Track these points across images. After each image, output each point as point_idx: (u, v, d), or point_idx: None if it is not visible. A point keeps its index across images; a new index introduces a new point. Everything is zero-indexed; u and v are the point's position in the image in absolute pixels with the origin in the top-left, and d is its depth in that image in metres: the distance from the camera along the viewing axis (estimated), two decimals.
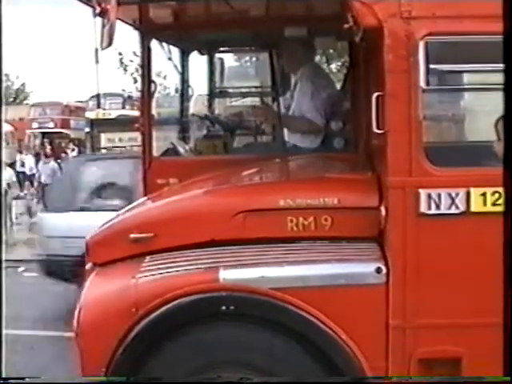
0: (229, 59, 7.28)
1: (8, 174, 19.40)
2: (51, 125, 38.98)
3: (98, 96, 33.34)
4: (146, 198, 5.38)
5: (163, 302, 4.03)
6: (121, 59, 22.41)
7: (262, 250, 4.17)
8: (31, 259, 14.70)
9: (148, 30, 5.60)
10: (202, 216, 4.36)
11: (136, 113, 6.92)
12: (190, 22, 5.58)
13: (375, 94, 3.88)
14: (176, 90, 6.49)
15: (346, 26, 3.94)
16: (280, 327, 4.00)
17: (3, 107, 4.74)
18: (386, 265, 3.95)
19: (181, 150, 6.02)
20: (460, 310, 3.98)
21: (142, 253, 4.36)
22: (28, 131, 38.35)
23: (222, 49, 6.64)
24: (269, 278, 4.02)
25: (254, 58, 6.87)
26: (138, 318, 4.05)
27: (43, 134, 37.91)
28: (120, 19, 5.23)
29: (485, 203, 3.89)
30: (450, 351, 4.00)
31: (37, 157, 29.78)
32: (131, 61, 21.36)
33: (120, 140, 13.99)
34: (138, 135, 6.53)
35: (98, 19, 4.18)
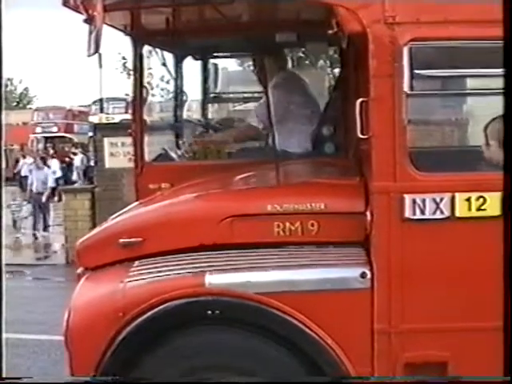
0: (229, 64, 7.24)
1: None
2: (55, 129, 39.09)
3: (101, 100, 33.39)
4: (137, 203, 5.40)
5: (150, 306, 4.05)
6: (124, 64, 22.43)
7: (248, 254, 4.19)
8: (36, 264, 14.84)
9: (139, 36, 5.62)
10: (189, 221, 4.38)
11: (166, 114, 6.95)
12: (182, 28, 5.58)
13: (359, 100, 3.89)
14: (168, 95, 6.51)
15: (330, 31, 3.95)
16: (266, 332, 4.01)
17: (3, 109, 4.75)
18: (371, 270, 3.96)
19: (173, 155, 6.03)
20: (445, 315, 3.99)
21: (132, 257, 4.39)
22: (31, 135, 38.42)
23: (215, 54, 6.65)
24: (255, 283, 4.03)
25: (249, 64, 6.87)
26: (125, 322, 4.07)
27: (46, 138, 38.01)
28: (111, 25, 5.28)
29: (469, 208, 3.89)
30: (436, 356, 4.00)
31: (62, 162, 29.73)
32: (163, 63, 21.37)
33: (123, 144, 14.02)
34: (169, 138, 6.57)
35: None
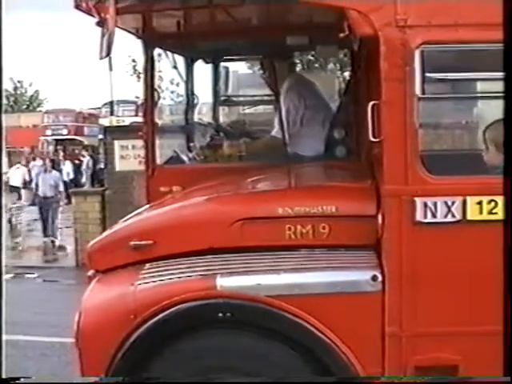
0: (241, 67, 7.25)
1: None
2: (65, 132, 39.15)
3: (111, 103, 33.49)
4: (148, 205, 5.41)
5: (161, 308, 4.07)
6: (134, 66, 22.48)
7: (259, 257, 4.19)
8: (45, 266, 14.87)
9: (151, 39, 5.64)
10: (200, 224, 4.39)
11: (172, 118, 6.97)
12: (193, 31, 5.61)
13: (371, 103, 3.89)
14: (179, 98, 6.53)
15: (341, 34, 3.96)
16: (276, 334, 4.02)
17: (3, 109, 4.80)
18: (382, 273, 3.96)
19: (184, 157, 6.04)
20: (456, 318, 3.99)
21: (142, 260, 4.40)
22: (41, 138, 38.52)
23: (226, 57, 6.66)
24: (265, 286, 4.04)
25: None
26: (136, 324, 4.09)
27: (56, 140, 38.10)
28: (123, 28, 5.29)
29: (481, 212, 3.89)
30: (447, 359, 4.00)
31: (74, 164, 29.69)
32: (174, 66, 21.44)
33: (133, 147, 14.06)
34: (174, 141, 6.58)
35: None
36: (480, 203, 3.89)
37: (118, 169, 14.66)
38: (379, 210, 4.05)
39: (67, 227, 16.84)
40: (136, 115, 33.64)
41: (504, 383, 3.77)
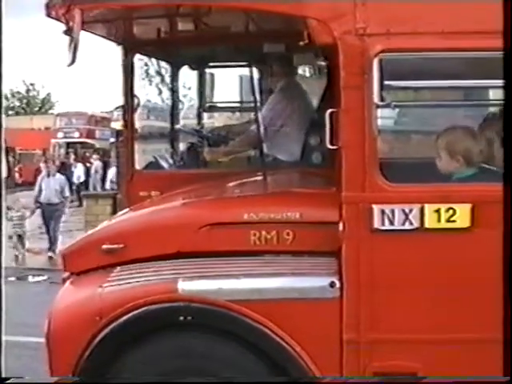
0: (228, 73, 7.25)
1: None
2: (76, 135, 39.32)
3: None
4: (125, 210, 5.46)
5: (125, 311, 4.13)
6: (147, 70, 22.58)
7: (222, 262, 4.24)
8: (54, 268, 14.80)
9: (130, 45, 5.69)
10: (168, 228, 4.44)
11: (160, 123, 7.01)
12: (171, 38, 5.65)
13: (329, 110, 3.93)
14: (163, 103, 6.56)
15: (301, 43, 3.99)
16: (236, 338, 4.06)
17: (2, 110, 4.84)
18: (341, 279, 3.99)
19: (163, 163, 6.09)
20: (415, 326, 4.00)
21: (114, 263, 4.45)
22: (53, 141, 38.67)
23: (211, 64, 6.69)
24: (226, 290, 4.09)
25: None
26: (102, 325, 4.16)
27: (68, 143, 38.26)
28: (100, 35, 5.36)
29: (439, 219, 3.91)
30: (406, 366, 4.02)
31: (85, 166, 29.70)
32: (157, 72, 21.52)
33: (143, 151, 14.07)
34: (162, 146, 6.62)
35: None
36: (438, 211, 3.90)
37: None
38: (341, 217, 4.09)
39: (78, 230, 16.63)
40: (147, 118, 33.60)
41: (504, 383, 3.79)
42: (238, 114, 7.60)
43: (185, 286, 4.10)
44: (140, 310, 4.10)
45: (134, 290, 4.21)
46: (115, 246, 4.45)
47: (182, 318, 4.07)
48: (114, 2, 4.30)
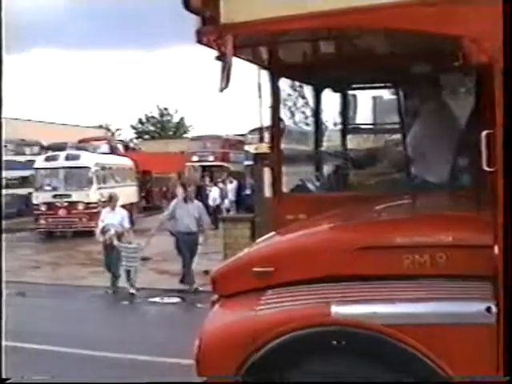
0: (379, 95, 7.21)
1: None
2: (211, 158, 40.10)
3: (260, 129, 33.92)
4: (273, 233, 5.51)
5: (278, 334, 4.17)
6: (289, 93, 22.81)
7: (376, 286, 4.21)
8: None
9: (276, 70, 5.76)
10: (318, 252, 4.45)
11: (302, 146, 7.09)
12: (317, 61, 5.69)
13: (485, 132, 3.84)
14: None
15: (456, 63, 3.93)
16: (391, 364, 4.03)
17: (2, 110, 4.99)
18: (498, 305, 3.89)
19: (310, 186, 6.12)
20: None
21: (264, 286, 4.50)
22: (187, 164, 39.52)
23: (354, 86, 6.69)
24: (381, 315, 4.06)
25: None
26: (255, 348, 4.20)
27: (203, 167, 39.01)
28: (249, 60, 5.46)
29: None
30: None
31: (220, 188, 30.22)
32: (289, 94, 21.75)
33: (287, 174, 14.15)
34: (304, 169, 6.68)
35: None
36: None
37: (267, 195, 14.67)
38: (497, 240, 3.98)
39: (215, 252, 16.75)
40: (291, 141, 33.85)
41: (504, 383, 3.71)
42: (372, 135, 7.53)
43: (339, 310, 4.11)
44: (294, 334, 4.14)
45: (287, 313, 4.25)
46: (266, 269, 4.48)
47: (335, 342, 4.07)
48: (265, 26, 4.33)
